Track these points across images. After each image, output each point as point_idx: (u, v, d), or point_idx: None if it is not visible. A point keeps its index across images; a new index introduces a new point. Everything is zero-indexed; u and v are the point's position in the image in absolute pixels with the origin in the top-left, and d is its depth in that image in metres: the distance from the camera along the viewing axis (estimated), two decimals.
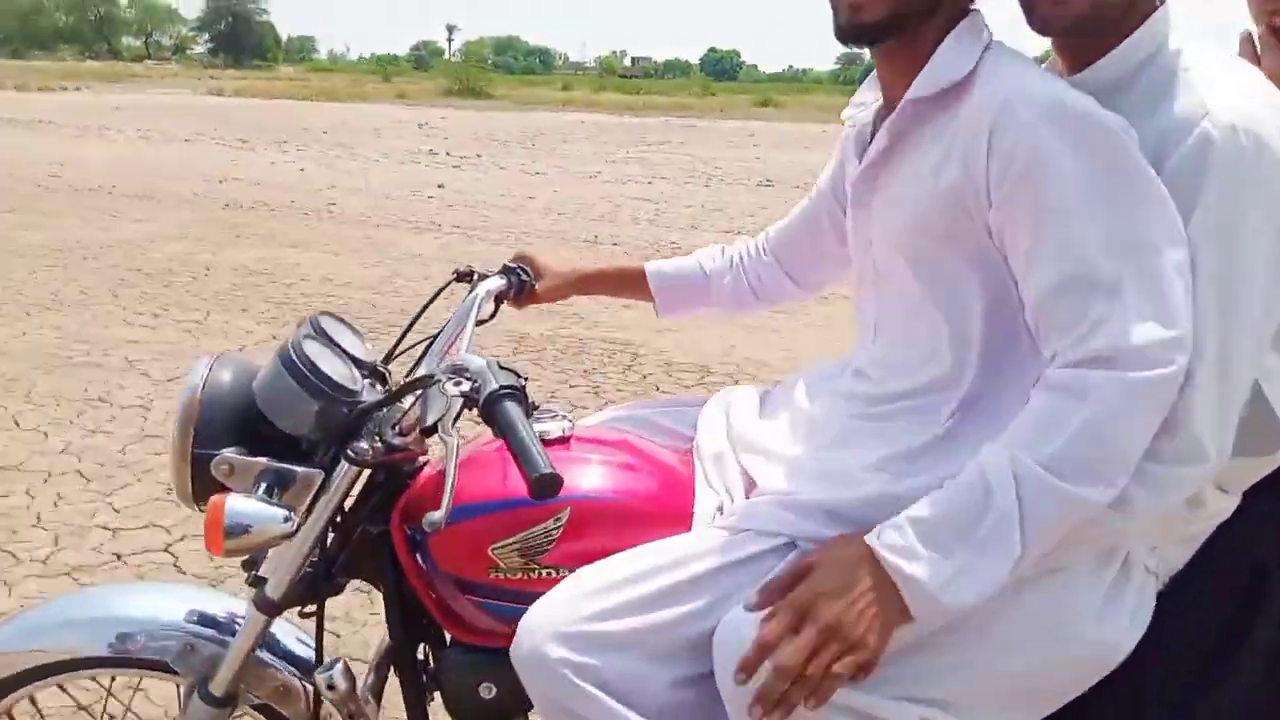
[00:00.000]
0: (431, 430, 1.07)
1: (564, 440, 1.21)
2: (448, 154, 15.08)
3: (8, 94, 27.32)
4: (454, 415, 1.01)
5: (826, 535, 1.08)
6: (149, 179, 10.94)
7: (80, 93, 30.16)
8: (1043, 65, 1.21)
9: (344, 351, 1.16)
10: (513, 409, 0.99)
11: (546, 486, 0.94)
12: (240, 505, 1.02)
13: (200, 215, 8.79)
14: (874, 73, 1.22)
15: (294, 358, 1.10)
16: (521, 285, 1.48)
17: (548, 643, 1.03)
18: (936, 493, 1.03)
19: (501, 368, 1.04)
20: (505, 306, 1.50)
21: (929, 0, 1.10)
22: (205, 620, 1.26)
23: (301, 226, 8.47)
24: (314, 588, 1.17)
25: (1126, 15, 1.11)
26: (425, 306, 1.36)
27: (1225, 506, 1.14)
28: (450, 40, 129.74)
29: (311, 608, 1.19)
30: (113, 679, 1.43)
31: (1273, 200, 1.02)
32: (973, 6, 1.15)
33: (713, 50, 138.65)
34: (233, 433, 1.11)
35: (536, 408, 1.12)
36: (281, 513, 1.04)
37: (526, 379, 1.05)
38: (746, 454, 1.24)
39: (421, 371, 1.22)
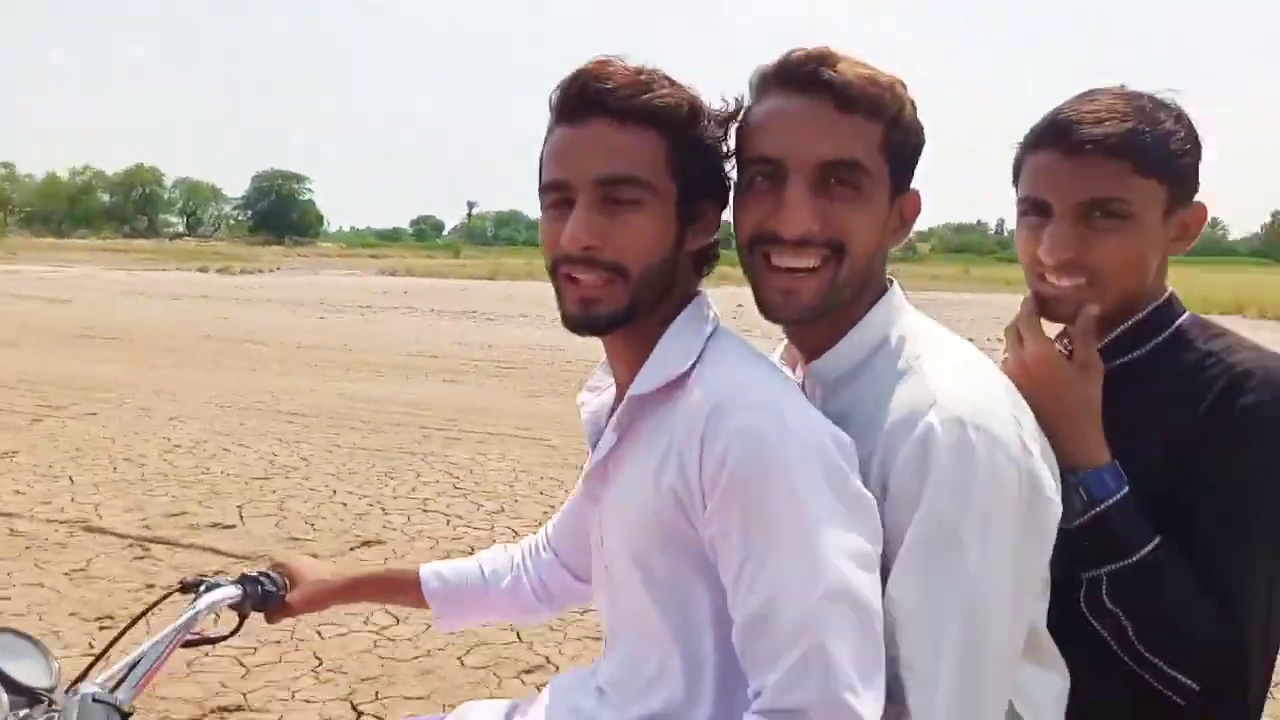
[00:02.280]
0: None
1: None
2: None
3: (208, 277, 28.37)
4: None
5: None
6: None
7: (274, 273, 31.57)
8: (777, 353, 1.19)
9: (2, 678, 0.99)
10: None
11: None
12: None
13: None
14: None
15: None
16: (265, 596, 1.34)
17: None
18: None
19: None
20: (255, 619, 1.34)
21: (662, 288, 1.06)
22: None
23: None
24: None
25: (857, 300, 1.06)
26: (136, 620, 1.22)
27: None
28: (470, 215, 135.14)
29: None
30: None
31: (1006, 500, 0.93)
32: (699, 289, 1.11)
33: None
34: None
35: None
36: None
37: None
38: None
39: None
